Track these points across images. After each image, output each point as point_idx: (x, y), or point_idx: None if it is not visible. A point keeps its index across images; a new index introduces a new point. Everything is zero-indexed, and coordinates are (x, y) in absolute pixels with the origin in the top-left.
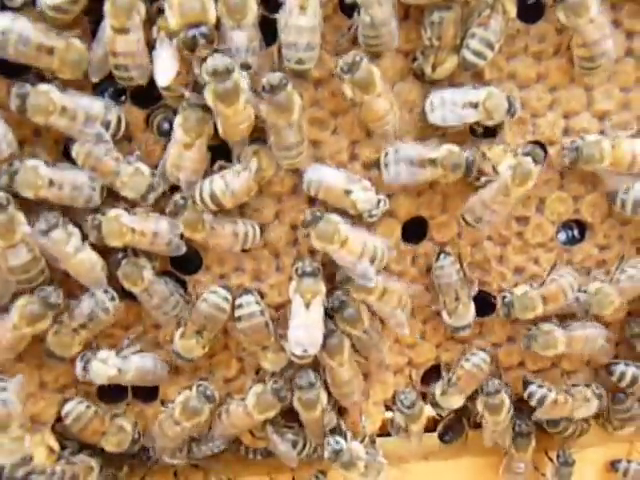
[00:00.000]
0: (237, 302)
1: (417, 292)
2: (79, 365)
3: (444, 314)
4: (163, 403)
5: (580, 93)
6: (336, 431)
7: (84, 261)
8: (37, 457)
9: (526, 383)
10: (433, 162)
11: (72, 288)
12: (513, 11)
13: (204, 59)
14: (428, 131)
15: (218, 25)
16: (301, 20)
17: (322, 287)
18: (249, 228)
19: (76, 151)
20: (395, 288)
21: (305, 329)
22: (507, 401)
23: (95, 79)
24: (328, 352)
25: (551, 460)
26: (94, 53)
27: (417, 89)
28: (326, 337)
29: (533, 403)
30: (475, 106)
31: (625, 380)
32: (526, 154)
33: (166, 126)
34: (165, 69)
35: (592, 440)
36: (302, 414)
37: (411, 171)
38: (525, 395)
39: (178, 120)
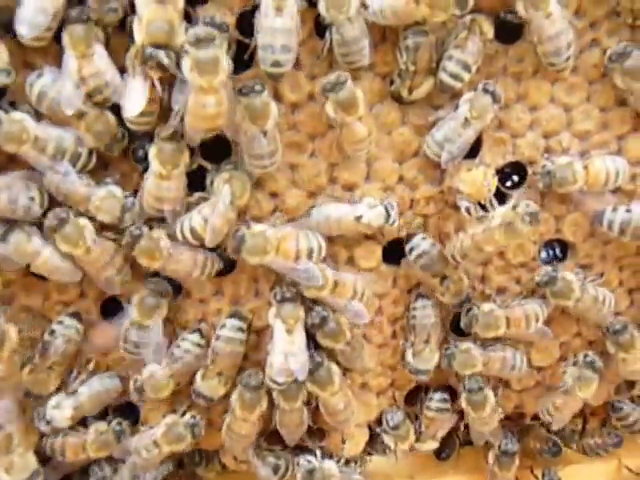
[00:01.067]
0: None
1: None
2: (41, 425)
3: (408, 353)
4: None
5: (559, 113)
6: (307, 450)
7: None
8: None
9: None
10: None
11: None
12: (490, 32)
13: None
14: (407, 153)
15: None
16: (277, 22)
17: (302, 312)
18: (209, 256)
19: (47, 182)
20: (347, 279)
21: (289, 356)
22: (492, 398)
23: (69, 112)
24: (319, 384)
25: (536, 478)
26: (64, 88)
27: (395, 111)
28: (313, 370)
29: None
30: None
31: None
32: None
33: (141, 153)
34: (134, 100)
35: (579, 457)
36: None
37: None
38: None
39: (153, 151)
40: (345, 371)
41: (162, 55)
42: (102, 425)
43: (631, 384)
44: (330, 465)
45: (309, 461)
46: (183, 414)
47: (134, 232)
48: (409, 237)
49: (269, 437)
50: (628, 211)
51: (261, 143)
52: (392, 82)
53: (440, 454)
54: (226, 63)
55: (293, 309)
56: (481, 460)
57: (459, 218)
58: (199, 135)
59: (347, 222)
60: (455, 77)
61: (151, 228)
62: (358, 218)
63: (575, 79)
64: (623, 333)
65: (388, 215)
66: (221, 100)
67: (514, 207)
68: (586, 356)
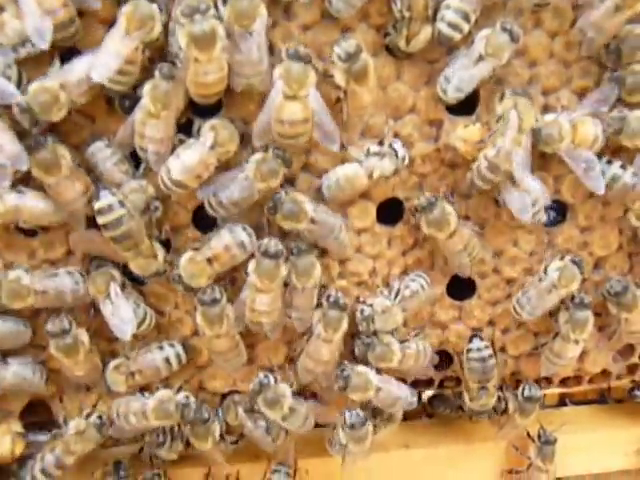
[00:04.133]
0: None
1: None
2: None
3: (466, 396)
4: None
5: (559, 69)
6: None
7: None
8: (2, 447)
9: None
10: None
11: None
12: None
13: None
14: (402, 109)
15: None
16: None
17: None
18: None
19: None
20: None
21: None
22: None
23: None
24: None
25: (532, 440)
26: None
27: (390, 65)
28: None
29: None
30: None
31: None
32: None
33: (127, 103)
34: (105, 64)
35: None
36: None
37: None
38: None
39: (147, 87)
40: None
41: None
42: None
43: (630, 349)
44: (284, 387)
45: (266, 376)
46: (178, 390)
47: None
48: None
49: None
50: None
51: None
52: (386, 35)
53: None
54: (222, 30)
55: (272, 267)
56: (476, 429)
57: (455, 178)
58: (203, 101)
59: (360, 181)
60: (454, 27)
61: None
62: (370, 175)
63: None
64: (625, 294)
65: (397, 155)
66: (222, 65)
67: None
68: (573, 298)
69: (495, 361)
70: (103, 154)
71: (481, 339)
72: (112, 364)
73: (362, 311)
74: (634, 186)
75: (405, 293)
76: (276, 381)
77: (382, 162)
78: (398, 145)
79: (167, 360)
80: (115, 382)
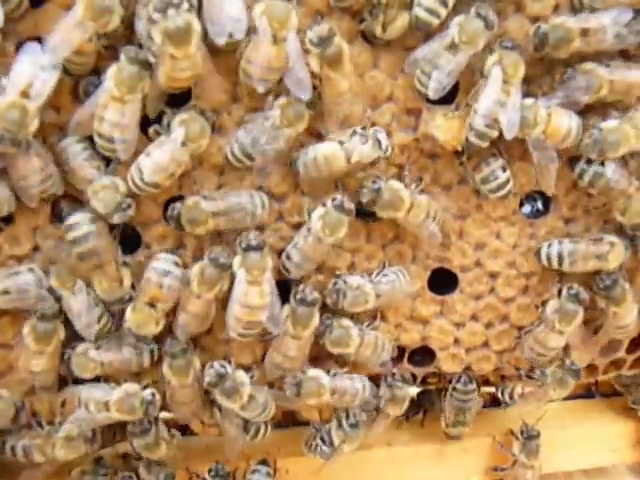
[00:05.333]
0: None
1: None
2: None
3: (443, 422)
4: None
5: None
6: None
7: None
8: None
9: None
10: None
11: None
12: None
13: None
14: (379, 98)
15: None
16: None
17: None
18: None
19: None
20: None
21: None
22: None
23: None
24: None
25: (515, 436)
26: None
27: (366, 52)
28: None
29: None
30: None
31: None
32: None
33: (92, 89)
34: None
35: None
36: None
37: None
38: None
39: (112, 69)
40: None
41: None
42: None
43: (617, 345)
44: (242, 374)
45: (222, 365)
46: (145, 387)
47: None
48: None
49: None
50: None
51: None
52: (362, 21)
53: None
54: (197, 22)
55: (259, 259)
56: None
57: (436, 168)
58: (174, 91)
59: (337, 162)
60: (431, 12)
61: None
62: (349, 158)
63: None
64: (615, 287)
65: (379, 144)
66: (197, 61)
67: None
68: (570, 288)
69: (477, 399)
70: (74, 149)
71: (469, 380)
72: (80, 348)
73: (335, 283)
74: (617, 182)
75: (381, 279)
76: (232, 369)
77: (363, 147)
78: (382, 135)
79: (139, 355)
80: (81, 367)
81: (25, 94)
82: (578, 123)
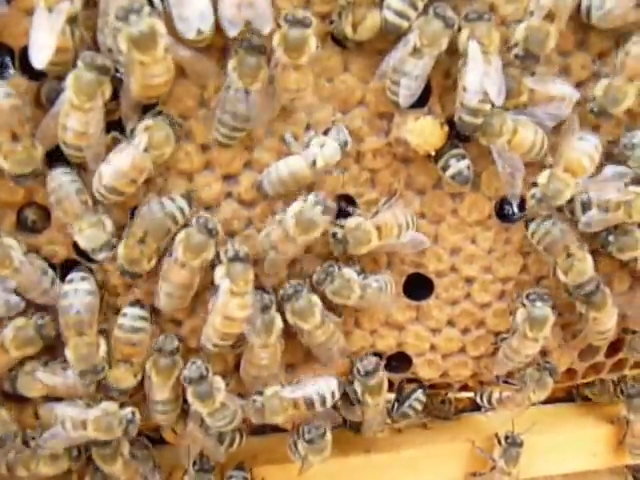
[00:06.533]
0: None
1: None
2: None
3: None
4: None
5: None
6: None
7: None
8: None
9: None
10: None
11: None
12: None
13: None
14: (350, 102)
15: None
16: None
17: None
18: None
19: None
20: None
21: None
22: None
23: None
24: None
25: (499, 441)
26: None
27: (337, 55)
28: None
29: None
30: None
31: None
32: None
33: (54, 95)
34: (41, 47)
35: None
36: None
37: None
38: None
39: (70, 77)
40: None
41: None
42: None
43: (595, 350)
44: (219, 380)
45: (199, 366)
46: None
47: None
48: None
49: None
50: None
51: None
52: (332, 22)
53: None
54: (162, 25)
55: (245, 270)
56: (438, 432)
57: (409, 172)
58: (145, 101)
59: (302, 173)
60: (401, 15)
61: None
62: (313, 164)
63: None
64: (595, 293)
65: (339, 141)
66: (169, 66)
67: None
68: (530, 294)
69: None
70: (64, 179)
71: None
72: (26, 367)
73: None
74: None
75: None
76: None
77: (323, 150)
78: (336, 131)
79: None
80: (27, 387)
81: None
82: (543, 138)
